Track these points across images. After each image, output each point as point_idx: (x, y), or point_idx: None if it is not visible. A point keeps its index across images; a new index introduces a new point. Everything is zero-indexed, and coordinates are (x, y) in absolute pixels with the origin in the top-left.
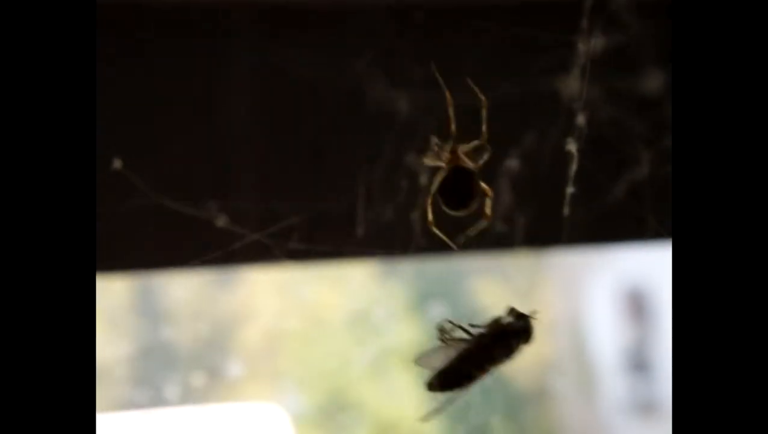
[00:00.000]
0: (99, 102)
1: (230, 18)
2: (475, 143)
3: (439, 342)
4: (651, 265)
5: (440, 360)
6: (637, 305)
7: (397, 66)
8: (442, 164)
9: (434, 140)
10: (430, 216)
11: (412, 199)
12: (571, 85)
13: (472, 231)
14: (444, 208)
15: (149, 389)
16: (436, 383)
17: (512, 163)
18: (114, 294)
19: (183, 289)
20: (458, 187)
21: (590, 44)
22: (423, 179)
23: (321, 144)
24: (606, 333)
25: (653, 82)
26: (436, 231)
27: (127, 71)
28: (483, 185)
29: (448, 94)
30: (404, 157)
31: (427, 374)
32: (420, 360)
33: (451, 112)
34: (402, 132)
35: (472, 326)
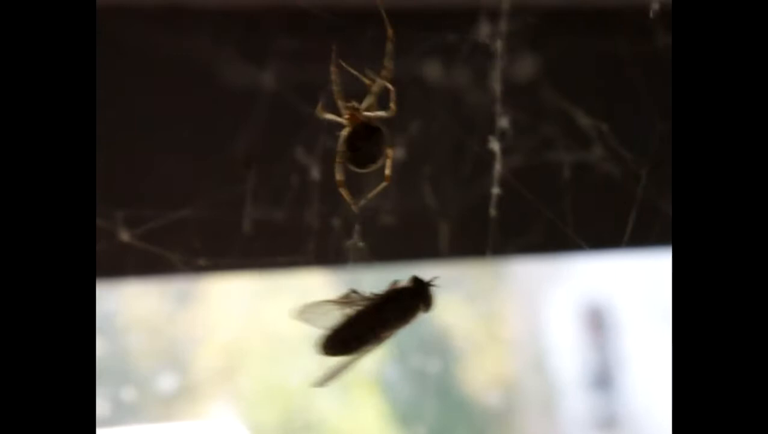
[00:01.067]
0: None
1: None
2: (372, 99)
3: (331, 302)
4: (609, 277)
5: (331, 321)
6: (595, 320)
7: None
8: (344, 122)
9: (338, 94)
10: (338, 176)
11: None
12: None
13: (372, 193)
14: (351, 166)
15: (107, 400)
16: (327, 345)
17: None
18: None
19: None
20: (365, 144)
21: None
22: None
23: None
24: (566, 350)
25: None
26: (344, 192)
27: None
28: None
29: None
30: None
31: (317, 335)
32: (301, 310)
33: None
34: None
35: (375, 294)
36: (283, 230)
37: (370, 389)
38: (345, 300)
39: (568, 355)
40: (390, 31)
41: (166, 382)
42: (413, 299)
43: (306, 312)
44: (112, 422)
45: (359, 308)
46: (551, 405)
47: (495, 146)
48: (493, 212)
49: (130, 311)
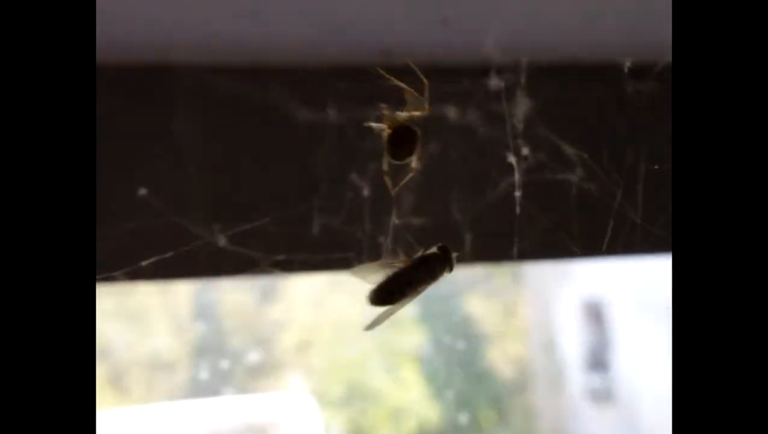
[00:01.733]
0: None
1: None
2: (418, 108)
3: (379, 262)
4: (606, 278)
5: (378, 279)
6: (595, 313)
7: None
8: (385, 127)
9: (382, 106)
10: (385, 166)
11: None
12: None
13: (403, 181)
14: (392, 160)
15: (206, 370)
16: (374, 296)
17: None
18: (177, 295)
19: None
20: (402, 141)
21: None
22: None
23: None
24: (569, 336)
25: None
26: (387, 180)
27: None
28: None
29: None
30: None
31: (367, 288)
32: (355, 270)
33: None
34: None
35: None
36: (341, 234)
37: (412, 366)
38: (389, 262)
39: (571, 341)
40: (425, 81)
41: (253, 358)
42: (440, 262)
43: (360, 271)
44: (210, 385)
45: (399, 268)
46: (557, 381)
47: (514, 170)
48: (511, 220)
49: (226, 302)
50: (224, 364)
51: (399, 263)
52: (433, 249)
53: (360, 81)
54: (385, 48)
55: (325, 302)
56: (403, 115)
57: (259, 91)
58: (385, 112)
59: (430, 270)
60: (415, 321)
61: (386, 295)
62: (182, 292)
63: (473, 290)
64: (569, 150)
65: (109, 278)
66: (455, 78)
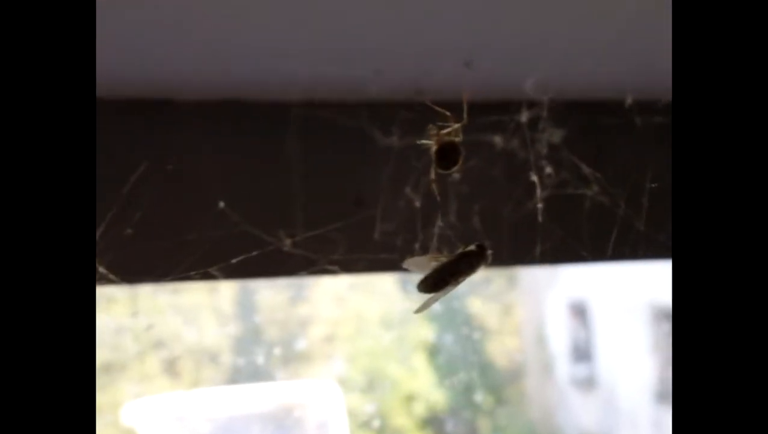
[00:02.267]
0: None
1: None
2: (455, 126)
3: (427, 256)
4: (589, 281)
5: (426, 271)
6: (580, 312)
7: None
8: (432, 143)
9: (430, 126)
10: (432, 175)
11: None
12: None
13: (438, 190)
14: (439, 170)
15: (246, 357)
16: (422, 286)
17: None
18: (223, 293)
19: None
20: (448, 155)
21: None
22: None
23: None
24: (558, 331)
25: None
26: (434, 186)
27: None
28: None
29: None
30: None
31: (416, 278)
32: (407, 262)
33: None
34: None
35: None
36: (397, 237)
37: (423, 357)
38: (435, 256)
39: (559, 335)
40: (466, 117)
41: (285, 349)
42: (477, 257)
43: (410, 263)
44: (248, 372)
45: (443, 261)
46: (547, 369)
47: (536, 187)
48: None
49: (263, 301)
50: (260, 355)
51: (443, 258)
52: (472, 246)
53: (415, 111)
54: (419, 87)
55: (347, 301)
56: (446, 132)
57: (347, 119)
58: (432, 132)
59: (469, 264)
60: (426, 318)
61: (433, 284)
62: (226, 291)
63: (475, 292)
64: (586, 170)
65: (207, 275)
66: (493, 111)
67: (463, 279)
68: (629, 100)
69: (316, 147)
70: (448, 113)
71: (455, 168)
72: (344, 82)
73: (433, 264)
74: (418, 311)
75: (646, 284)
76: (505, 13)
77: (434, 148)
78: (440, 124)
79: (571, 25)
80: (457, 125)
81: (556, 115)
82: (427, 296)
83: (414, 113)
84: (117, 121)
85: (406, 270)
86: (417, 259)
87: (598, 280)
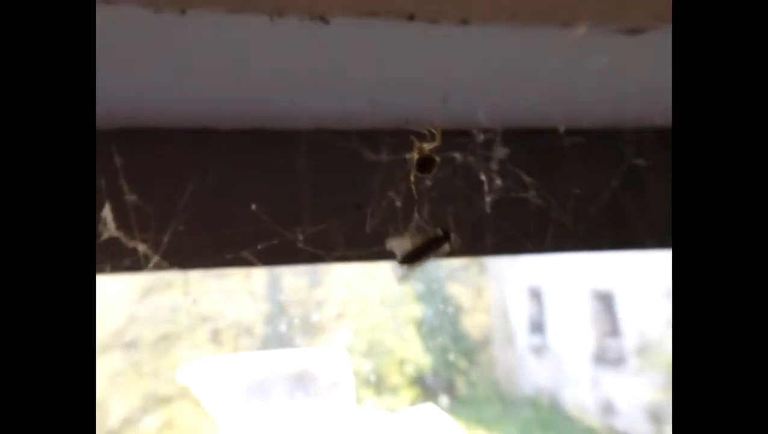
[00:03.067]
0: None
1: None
2: (433, 145)
3: (405, 236)
4: (543, 268)
5: (405, 248)
6: (536, 294)
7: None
8: (416, 154)
9: (414, 141)
10: (412, 177)
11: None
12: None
13: (416, 188)
14: (418, 173)
15: (273, 329)
16: (403, 259)
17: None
18: (256, 279)
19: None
20: (426, 163)
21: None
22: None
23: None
24: (518, 310)
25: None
26: (412, 186)
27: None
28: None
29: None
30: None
31: (397, 253)
32: (389, 240)
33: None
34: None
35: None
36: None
37: (413, 329)
38: (413, 237)
39: (519, 312)
40: (439, 139)
41: (304, 323)
42: (444, 239)
43: (391, 242)
44: (276, 341)
45: (419, 242)
46: (509, 339)
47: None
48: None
49: (287, 285)
50: (284, 327)
51: (418, 240)
52: (439, 231)
53: (399, 134)
54: (406, 118)
55: (353, 286)
56: (426, 147)
57: (345, 141)
58: (417, 144)
59: (438, 244)
60: (415, 299)
61: (410, 259)
62: (259, 277)
63: (453, 278)
64: (527, 180)
65: (241, 259)
66: (456, 135)
67: (434, 256)
68: (562, 128)
69: (321, 164)
70: (428, 133)
71: (430, 174)
72: (341, 113)
73: (413, 241)
74: (400, 282)
75: (585, 272)
76: (471, 62)
77: (416, 157)
78: (422, 142)
79: (518, 72)
80: (434, 144)
81: (504, 138)
82: (405, 269)
83: (397, 138)
84: (175, 146)
85: (395, 259)
86: (398, 239)
87: (549, 268)
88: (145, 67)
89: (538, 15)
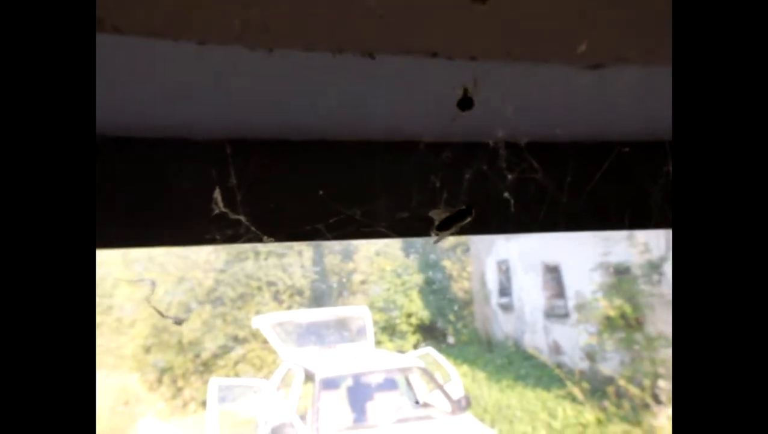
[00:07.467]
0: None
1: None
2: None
3: (440, 209)
4: (514, 247)
5: (441, 216)
6: (504, 268)
7: None
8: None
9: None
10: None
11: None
12: None
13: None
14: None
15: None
16: (439, 226)
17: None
18: (305, 256)
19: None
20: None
21: None
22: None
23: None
24: (492, 279)
25: None
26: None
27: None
28: None
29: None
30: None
31: (436, 221)
32: (433, 211)
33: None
34: None
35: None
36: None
37: (416, 293)
38: (446, 210)
39: (492, 280)
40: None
41: (339, 288)
42: (468, 212)
43: (433, 213)
44: (319, 302)
45: (449, 213)
46: (486, 299)
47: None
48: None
49: (328, 259)
50: (325, 292)
51: (448, 212)
52: (463, 206)
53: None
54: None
55: (375, 261)
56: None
57: (338, 155)
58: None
59: (463, 214)
60: (418, 270)
61: (444, 226)
62: (307, 255)
63: (445, 255)
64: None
65: (316, 231)
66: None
67: (462, 225)
68: (625, 149)
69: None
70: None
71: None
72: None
73: (445, 214)
74: (436, 242)
75: (539, 250)
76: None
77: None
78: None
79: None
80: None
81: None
82: (440, 234)
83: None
84: (273, 152)
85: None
86: (436, 211)
87: (513, 249)
88: (242, 94)
89: (529, 54)
